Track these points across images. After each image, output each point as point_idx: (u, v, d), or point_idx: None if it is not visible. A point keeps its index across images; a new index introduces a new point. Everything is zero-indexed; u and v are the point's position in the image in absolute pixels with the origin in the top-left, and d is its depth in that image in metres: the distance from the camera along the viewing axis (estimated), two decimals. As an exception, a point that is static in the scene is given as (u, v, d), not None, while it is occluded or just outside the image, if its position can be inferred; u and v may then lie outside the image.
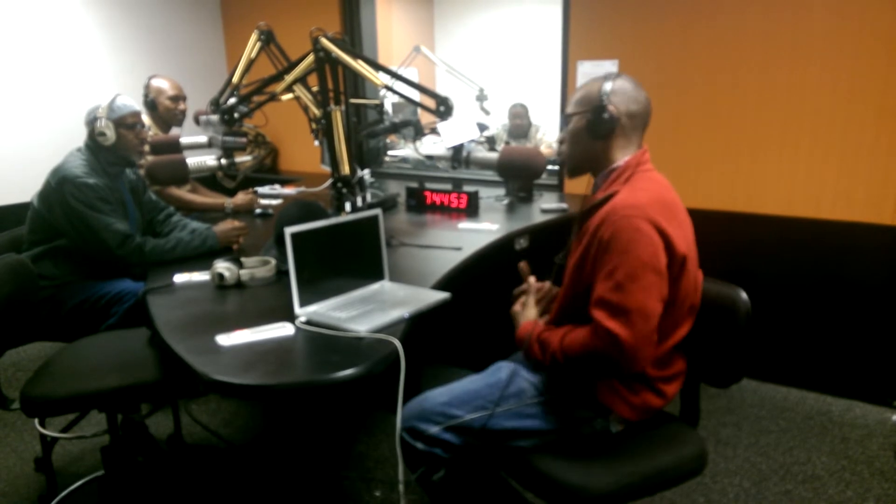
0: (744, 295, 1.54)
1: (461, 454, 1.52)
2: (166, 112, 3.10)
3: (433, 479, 1.60)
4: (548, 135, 5.06)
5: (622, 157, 1.50)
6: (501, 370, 1.58)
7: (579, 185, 1.66)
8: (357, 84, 3.96)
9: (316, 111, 2.63)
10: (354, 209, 2.39)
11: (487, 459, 1.57)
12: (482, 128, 2.69)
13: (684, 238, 1.41)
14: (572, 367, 1.44)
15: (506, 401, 1.51)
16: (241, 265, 1.93)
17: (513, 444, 1.51)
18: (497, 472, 1.67)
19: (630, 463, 1.47)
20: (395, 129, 2.84)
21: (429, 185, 3.07)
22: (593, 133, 1.49)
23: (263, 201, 3.19)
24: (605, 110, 1.46)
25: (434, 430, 1.51)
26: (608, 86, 1.48)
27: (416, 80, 2.39)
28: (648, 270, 1.33)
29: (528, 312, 1.62)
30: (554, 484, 1.43)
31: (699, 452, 1.53)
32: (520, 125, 5.09)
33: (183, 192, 3.09)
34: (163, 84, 3.10)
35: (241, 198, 3.08)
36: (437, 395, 1.56)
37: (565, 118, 1.59)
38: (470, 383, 1.58)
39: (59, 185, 2.24)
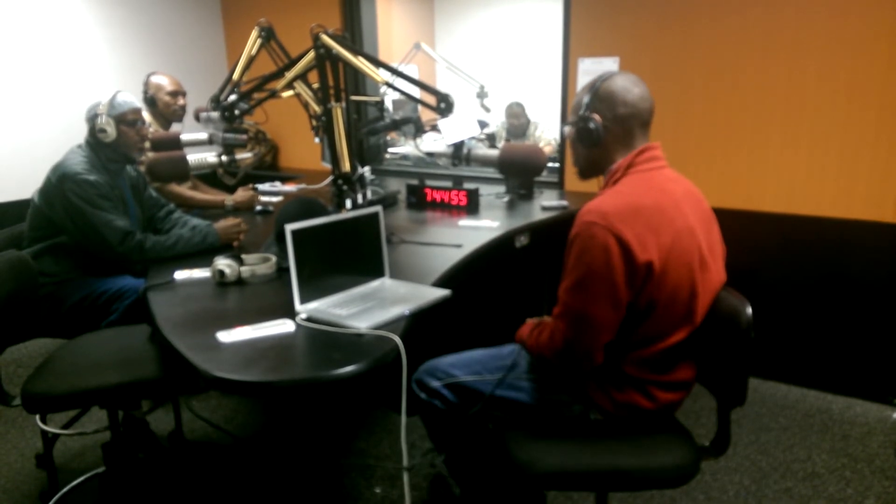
0: (748, 309, 1.38)
1: (454, 410, 1.68)
2: (165, 108, 3.10)
3: (434, 462, 1.77)
4: (546, 132, 5.05)
5: (620, 158, 1.51)
6: (506, 347, 1.73)
7: (580, 182, 1.67)
8: (357, 81, 3.96)
9: (316, 108, 2.63)
10: (355, 206, 2.39)
11: (474, 421, 1.68)
12: (483, 125, 2.68)
13: (657, 244, 1.35)
14: (544, 362, 1.55)
15: (499, 371, 1.64)
16: (241, 262, 1.93)
17: (497, 413, 1.64)
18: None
19: (590, 454, 1.46)
20: (396, 126, 2.83)
21: (429, 182, 3.07)
22: (584, 142, 1.53)
23: (264, 198, 3.19)
24: (589, 121, 1.49)
25: (435, 384, 1.70)
26: (591, 94, 1.50)
27: (416, 76, 2.39)
28: (597, 279, 1.36)
29: None
30: (506, 455, 1.48)
31: (676, 466, 1.44)
32: (517, 124, 5.09)
33: (183, 189, 3.10)
34: (161, 80, 3.10)
35: (242, 195, 3.08)
36: (448, 358, 1.75)
37: (562, 128, 1.62)
38: (476, 352, 1.76)
39: (59, 182, 2.24)
